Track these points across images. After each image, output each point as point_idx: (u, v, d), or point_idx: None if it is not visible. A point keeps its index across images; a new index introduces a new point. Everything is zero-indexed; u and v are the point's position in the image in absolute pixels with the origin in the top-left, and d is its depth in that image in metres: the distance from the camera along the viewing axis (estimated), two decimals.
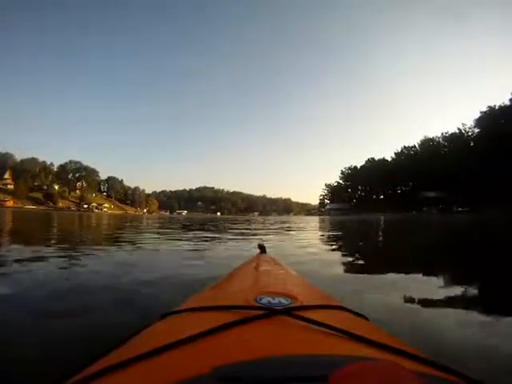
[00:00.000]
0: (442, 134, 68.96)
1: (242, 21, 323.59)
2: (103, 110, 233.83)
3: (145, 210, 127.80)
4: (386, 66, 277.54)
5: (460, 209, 43.78)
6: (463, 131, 62.28)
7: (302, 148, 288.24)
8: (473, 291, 2.34)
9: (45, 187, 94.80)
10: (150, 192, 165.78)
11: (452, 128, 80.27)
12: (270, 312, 0.49)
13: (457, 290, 2.27)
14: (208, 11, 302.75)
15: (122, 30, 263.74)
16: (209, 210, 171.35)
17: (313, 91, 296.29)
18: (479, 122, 56.62)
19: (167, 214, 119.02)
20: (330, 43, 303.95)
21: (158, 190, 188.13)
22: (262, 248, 1.40)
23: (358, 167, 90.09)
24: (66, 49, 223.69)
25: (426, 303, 1.91)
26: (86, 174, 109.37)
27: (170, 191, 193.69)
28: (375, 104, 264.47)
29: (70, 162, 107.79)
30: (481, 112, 55.90)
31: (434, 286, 2.34)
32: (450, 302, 1.92)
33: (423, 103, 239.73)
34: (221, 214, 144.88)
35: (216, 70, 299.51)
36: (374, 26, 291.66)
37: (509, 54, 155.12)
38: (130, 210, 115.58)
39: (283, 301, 0.55)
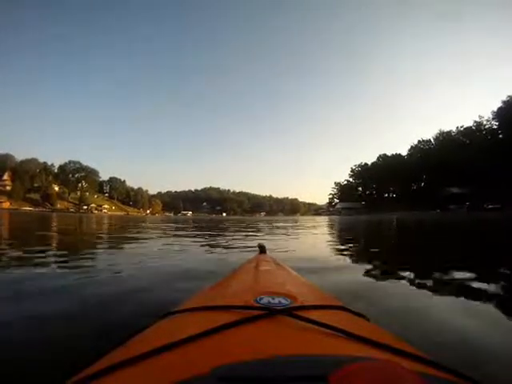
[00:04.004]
0: (457, 127, 64.97)
1: (243, 21, 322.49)
2: (106, 109, 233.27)
3: (148, 211, 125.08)
4: (388, 65, 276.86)
5: (491, 206, 39.09)
6: (481, 124, 58.28)
7: (308, 148, 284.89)
8: None
9: (44, 188, 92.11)
10: (155, 193, 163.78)
11: (464, 122, 75.51)
12: (270, 312, 0.49)
13: None
14: (209, 11, 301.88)
15: (122, 29, 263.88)
16: (214, 210, 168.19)
17: (316, 91, 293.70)
18: (499, 113, 52.08)
19: (171, 215, 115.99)
20: (330, 45, 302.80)
21: (163, 190, 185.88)
22: (262, 248, 1.37)
23: (369, 164, 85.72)
24: (67, 48, 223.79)
25: None
26: (85, 174, 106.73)
27: (175, 192, 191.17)
28: (379, 103, 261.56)
29: (70, 162, 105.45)
30: (502, 102, 51.38)
31: None
32: None
33: (427, 101, 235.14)
34: (227, 214, 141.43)
35: (219, 69, 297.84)
36: (374, 27, 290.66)
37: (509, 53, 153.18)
38: (133, 212, 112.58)
39: (283, 301, 0.55)
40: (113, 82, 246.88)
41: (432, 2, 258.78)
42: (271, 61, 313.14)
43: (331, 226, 12.61)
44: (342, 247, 4.67)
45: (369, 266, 2.85)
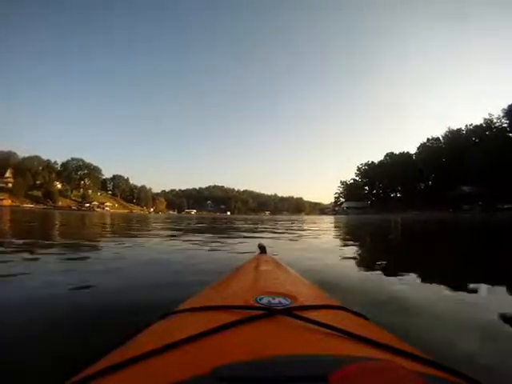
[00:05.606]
0: (467, 125, 63.07)
1: (244, 21, 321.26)
2: (108, 109, 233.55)
3: (151, 209, 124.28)
4: (390, 65, 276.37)
5: (505, 206, 37.25)
6: (491, 122, 56.26)
7: (313, 147, 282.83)
8: None
9: (46, 185, 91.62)
10: (159, 191, 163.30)
11: (474, 120, 73.49)
12: (270, 312, 0.49)
13: None
14: (210, 11, 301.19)
15: (122, 29, 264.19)
16: (218, 209, 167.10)
17: (319, 90, 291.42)
18: (510, 111, 50.18)
19: (175, 213, 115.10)
20: (331, 45, 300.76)
21: (167, 189, 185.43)
22: (262, 248, 1.36)
23: (376, 163, 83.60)
24: (67, 48, 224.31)
25: None
26: (88, 172, 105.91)
27: (180, 190, 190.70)
28: (384, 102, 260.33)
29: (72, 159, 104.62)
30: None
31: None
32: None
33: (434, 100, 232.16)
34: (231, 213, 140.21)
35: (221, 69, 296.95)
36: (375, 27, 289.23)
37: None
38: (136, 209, 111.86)
39: (283, 301, 0.55)
40: (113, 81, 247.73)
41: (434, 2, 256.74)
42: (274, 61, 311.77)
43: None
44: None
45: None
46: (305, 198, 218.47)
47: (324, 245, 4.83)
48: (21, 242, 4.23)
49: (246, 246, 4.13)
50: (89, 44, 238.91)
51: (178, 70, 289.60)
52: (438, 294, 1.89)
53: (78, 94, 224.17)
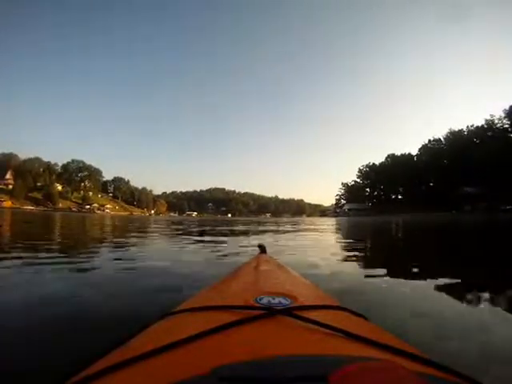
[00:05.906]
0: (468, 126, 62.51)
1: (243, 21, 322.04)
2: (111, 109, 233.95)
3: (152, 212, 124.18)
4: (391, 66, 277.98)
5: (508, 207, 37.07)
6: (492, 123, 55.82)
7: (313, 149, 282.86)
8: None
9: (46, 187, 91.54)
10: (160, 193, 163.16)
11: (475, 121, 73.16)
12: (270, 312, 0.49)
13: None
14: (209, 12, 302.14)
15: (122, 29, 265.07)
16: (219, 211, 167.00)
17: (320, 92, 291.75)
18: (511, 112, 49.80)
19: (176, 215, 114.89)
20: (333, 45, 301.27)
21: (168, 191, 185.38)
22: (262, 248, 1.37)
23: (377, 164, 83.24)
24: (67, 49, 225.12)
25: None
26: (89, 173, 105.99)
27: (181, 192, 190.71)
28: (384, 104, 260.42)
29: (73, 161, 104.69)
30: None
31: None
32: None
33: (434, 101, 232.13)
34: (232, 215, 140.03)
35: (221, 69, 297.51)
36: (376, 28, 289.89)
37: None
38: (137, 212, 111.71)
39: (283, 301, 0.55)
40: (113, 81, 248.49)
41: (434, 3, 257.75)
42: (274, 61, 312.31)
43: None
44: None
45: None
46: (305, 200, 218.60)
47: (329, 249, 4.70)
48: (18, 244, 4.20)
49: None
50: (89, 44, 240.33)
51: (177, 70, 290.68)
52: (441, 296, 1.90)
53: (78, 94, 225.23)
